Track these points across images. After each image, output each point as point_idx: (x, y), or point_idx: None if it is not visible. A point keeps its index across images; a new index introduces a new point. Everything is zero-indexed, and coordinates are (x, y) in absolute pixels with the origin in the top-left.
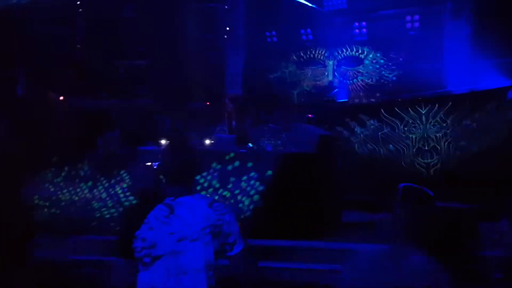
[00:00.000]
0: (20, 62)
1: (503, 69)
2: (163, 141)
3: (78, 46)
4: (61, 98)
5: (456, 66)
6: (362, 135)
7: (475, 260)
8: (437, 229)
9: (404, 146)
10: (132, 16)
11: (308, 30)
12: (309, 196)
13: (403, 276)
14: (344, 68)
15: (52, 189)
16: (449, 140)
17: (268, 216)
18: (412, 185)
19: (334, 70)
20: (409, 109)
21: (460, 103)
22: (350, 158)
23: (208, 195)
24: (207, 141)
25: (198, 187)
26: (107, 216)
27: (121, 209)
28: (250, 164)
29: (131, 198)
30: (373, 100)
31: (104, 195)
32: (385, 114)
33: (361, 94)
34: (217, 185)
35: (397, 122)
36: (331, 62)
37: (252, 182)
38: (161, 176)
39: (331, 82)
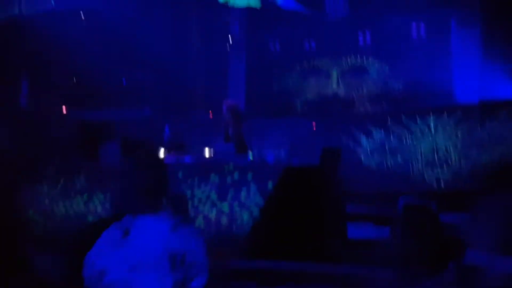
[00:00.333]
0: (21, 71)
1: None
2: (161, 152)
3: (80, 55)
4: (62, 108)
5: (465, 74)
6: (368, 146)
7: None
8: (439, 250)
9: (412, 157)
10: (134, 26)
11: (311, 39)
12: (312, 211)
13: None
14: (349, 77)
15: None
16: (459, 152)
17: (268, 233)
18: (413, 201)
19: (338, 80)
20: (417, 119)
21: (470, 112)
22: (356, 170)
23: (175, 216)
24: (207, 152)
25: (195, 201)
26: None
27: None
28: (249, 176)
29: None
30: (379, 110)
31: (99, 208)
32: (392, 124)
33: (366, 104)
34: (215, 198)
35: (404, 132)
36: (335, 72)
37: (251, 195)
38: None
39: (335, 92)
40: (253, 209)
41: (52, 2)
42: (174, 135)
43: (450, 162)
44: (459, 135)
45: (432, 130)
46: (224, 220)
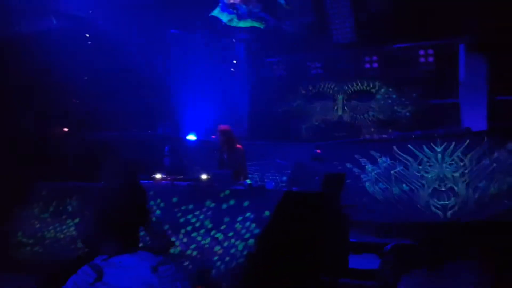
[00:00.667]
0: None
1: None
2: (157, 176)
3: (85, 78)
4: (63, 129)
5: (473, 101)
6: (373, 173)
7: None
8: None
9: (418, 186)
10: (139, 49)
11: (317, 63)
12: (312, 241)
13: None
14: (355, 102)
15: (37, 225)
16: (467, 181)
17: (264, 264)
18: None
19: (344, 105)
20: (424, 146)
21: (478, 140)
22: (360, 197)
23: (155, 255)
24: (203, 176)
25: (189, 228)
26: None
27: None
28: (246, 203)
29: None
30: (385, 136)
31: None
32: (398, 151)
33: (372, 130)
34: (210, 226)
35: (410, 160)
36: (340, 97)
37: (247, 223)
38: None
39: (340, 117)
40: (249, 238)
41: (54, 21)
42: (173, 158)
43: (457, 191)
44: (466, 163)
45: (439, 158)
46: (218, 248)
